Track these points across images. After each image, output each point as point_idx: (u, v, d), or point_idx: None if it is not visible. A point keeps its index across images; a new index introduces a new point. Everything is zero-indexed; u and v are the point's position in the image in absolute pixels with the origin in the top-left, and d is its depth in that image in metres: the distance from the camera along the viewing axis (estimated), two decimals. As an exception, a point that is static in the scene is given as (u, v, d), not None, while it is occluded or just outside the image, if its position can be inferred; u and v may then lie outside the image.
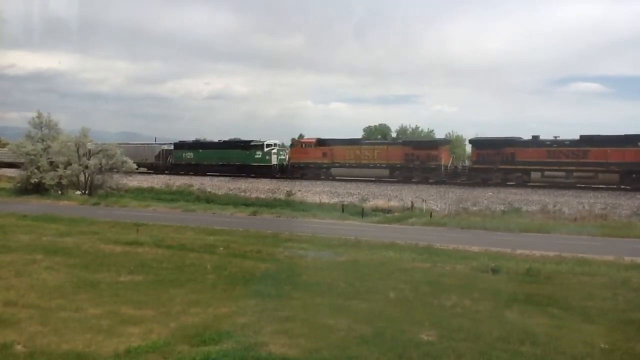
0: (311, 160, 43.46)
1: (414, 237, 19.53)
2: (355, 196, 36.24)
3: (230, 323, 8.44)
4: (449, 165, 38.72)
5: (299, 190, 39.22)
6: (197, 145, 52.72)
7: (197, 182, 45.51)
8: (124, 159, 40.29)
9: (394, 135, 74.79)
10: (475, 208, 30.94)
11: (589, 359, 7.17)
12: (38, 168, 37.80)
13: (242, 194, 40.53)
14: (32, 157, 38.29)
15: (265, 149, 45.96)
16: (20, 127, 47.76)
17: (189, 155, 51.02)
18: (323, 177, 42.43)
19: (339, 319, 8.69)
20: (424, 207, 30.85)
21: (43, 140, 39.61)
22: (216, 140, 52.24)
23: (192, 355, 6.93)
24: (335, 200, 35.75)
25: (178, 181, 46.80)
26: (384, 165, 40.34)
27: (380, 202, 33.71)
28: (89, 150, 39.65)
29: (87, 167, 38.54)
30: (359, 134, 72.24)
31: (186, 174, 49.66)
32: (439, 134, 70.08)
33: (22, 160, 39.83)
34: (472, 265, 14.20)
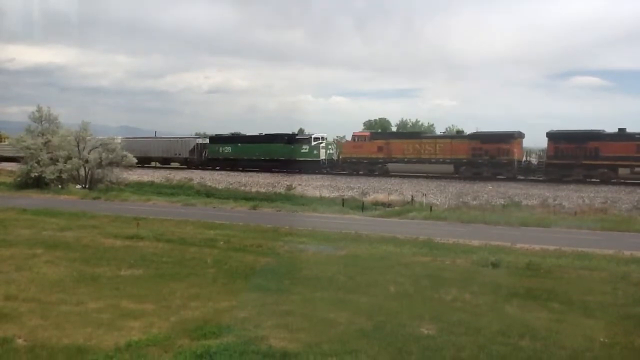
0: (365, 155, 40.84)
1: (414, 231, 19.54)
2: (355, 190, 36.23)
3: (230, 317, 8.46)
4: (522, 161, 36.48)
5: (299, 184, 39.19)
6: (236, 139, 49.90)
7: (197, 176, 45.49)
8: (124, 153, 40.22)
9: (394, 129, 74.74)
10: (475, 202, 30.92)
11: (588, 353, 7.19)
12: (38, 162, 37.78)
13: (242, 188, 40.49)
14: (32, 151, 38.25)
15: (313, 143, 43.29)
16: (21, 122, 47.63)
17: (227, 149, 48.08)
18: (378, 173, 40.07)
19: (339, 313, 8.70)
20: (424, 201, 30.84)
21: (43, 135, 39.56)
22: (256, 133, 49.23)
23: (193, 349, 6.95)
24: (336, 194, 35.73)
25: (178, 175, 46.77)
26: (447, 161, 37.86)
27: (381, 196, 33.67)
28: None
29: (87, 161, 38.51)
30: (359, 128, 72.18)
31: (223, 169, 47.30)
32: (439, 128, 70.08)
33: (22, 155, 39.79)
34: (472, 259, 14.21)
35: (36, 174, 37.38)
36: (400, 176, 39.51)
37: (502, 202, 30.32)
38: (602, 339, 7.71)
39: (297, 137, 44.91)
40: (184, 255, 14.17)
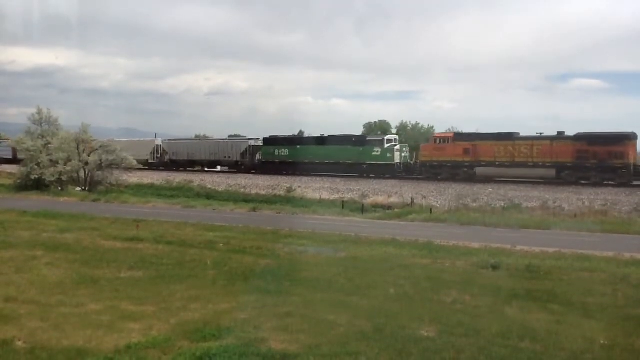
0: (448, 158, 37.31)
1: (414, 234, 19.53)
2: (355, 192, 36.22)
3: (230, 319, 8.46)
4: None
5: (299, 187, 39.19)
6: (295, 141, 45.93)
7: (197, 179, 45.47)
8: (124, 155, 40.24)
9: (394, 131, 74.70)
10: (475, 204, 30.93)
11: (588, 354, 7.18)
12: (38, 164, 37.79)
13: (242, 190, 40.47)
14: (32, 153, 38.27)
15: (386, 145, 39.83)
16: (20, 123, 47.60)
17: (284, 152, 44.47)
18: (463, 178, 36.49)
19: (339, 315, 8.70)
20: (424, 203, 30.83)
21: (43, 137, 39.58)
22: (317, 134, 45.60)
23: (193, 351, 6.95)
24: (336, 196, 35.72)
25: (178, 177, 46.75)
26: (548, 164, 34.41)
27: (381, 199, 33.65)
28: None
29: (87, 163, 38.52)
30: (359, 130, 72.07)
31: (278, 173, 43.24)
32: (439, 130, 69.72)
33: (22, 157, 39.82)
34: (472, 261, 14.21)
35: (36, 176, 37.39)
36: (400, 178, 39.47)
37: (502, 205, 30.31)
38: (602, 341, 7.71)
39: (368, 138, 41.59)
40: (184, 257, 14.17)
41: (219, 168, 50.60)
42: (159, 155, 52.77)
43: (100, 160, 38.66)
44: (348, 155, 41.08)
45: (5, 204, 28.12)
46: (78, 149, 38.82)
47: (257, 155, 46.80)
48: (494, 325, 8.24)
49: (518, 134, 36.95)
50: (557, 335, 7.88)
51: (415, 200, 31.68)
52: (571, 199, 30.28)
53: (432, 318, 8.58)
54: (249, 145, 47.40)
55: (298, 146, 44.48)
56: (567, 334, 7.97)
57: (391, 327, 8.04)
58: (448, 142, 38.12)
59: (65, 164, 37.85)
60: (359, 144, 41.14)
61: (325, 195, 36.04)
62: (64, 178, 38.25)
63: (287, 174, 42.36)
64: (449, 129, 67.55)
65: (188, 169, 50.66)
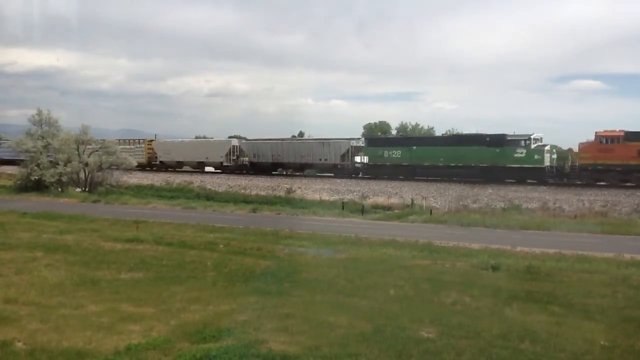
0: (618, 161, 32.15)
1: (414, 235, 19.53)
2: (355, 193, 36.23)
3: (230, 320, 8.45)
4: None
5: (299, 188, 39.20)
6: (408, 141, 41.07)
7: (197, 180, 45.47)
8: (124, 155, 40.27)
9: (394, 132, 74.71)
10: (475, 205, 30.95)
11: (589, 356, 7.18)
12: (38, 165, 37.81)
13: (242, 191, 40.49)
14: (32, 154, 38.29)
15: (533, 145, 34.64)
16: (21, 125, 47.57)
17: (395, 154, 39.37)
18: (637, 184, 31.49)
19: (339, 316, 8.70)
20: (424, 204, 30.85)
21: (43, 138, 39.60)
22: (439, 133, 42.03)
23: (193, 352, 6.94)
24: (335, 197, 35.73)
25: (178, 178, 46.76)
26: None
27: (380, 200, 33.68)
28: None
29: (87, 164, 38.54)
30: (359, 132, 71.86)
31: (390, 179, 38.67)
32: (439, 132, 69.59)
33: (23, 158, 39.85)
34: (472, 262, 14.20)
35: (36, 177, 37.41)
36: (400, 179, 39.42)
37: (502, 206, 30.33)
38: (602, 342, 7.71)
39: (508, 138, 35.78)
40: (184, 259, 14.16)
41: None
42: (234, 157, 48.12)
43: (100, 161, 38.68)
44: (481, 158, 35.79)
45: (5, 205, 28.12)
46: (78, 149, 38.85)
47: (361, 157, 42.06)
48: (494, 327, 8.23)
49: None
50: (557, 337, 7.87)
51: (415, 201, 31.69)
52: (571, 200, 30.28)
53: (432, 319, 8.58)
54: (351, 146, 42.28)
55: (414, 147, 39.19)
56: (567, 336, 7.97)
57: (391, 328, 8.03)
58: (618, 142, 32.43)
59: (65, 165, 37.87)
60: (495, 144, 35.59)
61: (325, 196, 36.05)
62: (64, 179, 38.28)
63: (400, 180, 37.98)
64: (449, 130, 67.59)
65: (273, 173, 45.82)
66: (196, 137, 63.68)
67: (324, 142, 44.12)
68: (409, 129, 76.52)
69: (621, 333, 8.28)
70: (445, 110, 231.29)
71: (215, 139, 54.10)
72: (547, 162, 34.34)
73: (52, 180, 37.54)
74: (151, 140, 54.88)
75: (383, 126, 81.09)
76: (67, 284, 11.14)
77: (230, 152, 48.06)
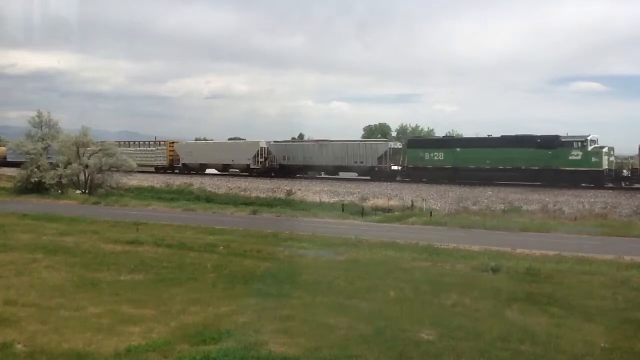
0: None
1: (414, 236, 19.52)
2: (355, 195, 36.24)
3: (230, 322, 8.45)
4: None
5: (299, 189, 39.22)
6: (452, 142, 39.15)
7: (197, 181, 45.49)
8: (124, 157, 40.28)
9: (393, 134, 74.73)
10: (475, 207, 30.96)
11: (589, 358, 7.18)
12: (38, 167, 37.83)
13: (242, 193, 40.53)
14: (32, 156, 38.31)
15: (590, 148, 32.84)
16: (21, 126, 47.55)
17: (437, 156, 37.91)
18: None
19: (339, 318, 8.69)
20: (424, 206, 30.86)
21: (43, 140, 39.64)
22: (485, 135, 38.07)
23: (193, 354, 6.93)
24: (335, 199, 35.75)
25: (178, 180, 46.77)
26: None
27: (381, 201, 33.70)
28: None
29: (87, 166, 38.55)
30: (359, 134, 71.85)
31: (430, 182, 37.11)
32: (439, 133, 69.45)
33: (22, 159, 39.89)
34: (472, 264, 14.20)
35: (36, 179, 37.42)
36: (400, 181, 39.44)
37: (502, 208, 30.35)
38: (602, 344, 7.70)
39: (561, 139, 33.96)
40: (184, 260, 14.16)
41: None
42: (262, 160, 46.38)
43: (100, 163, 38.69)
44: (532, 160, 34.31)
45: (5, 207, 28.12)
46: (78, 151, 38.87)
47: (400, 159, 40.68)
48: (494, 328, 8.23)
49: None
50: (558, 338, 7.86)
51: (415, 203, 31.70)
52: (571, 201, 30.29)
53: (433, 321, 8.57)
54: (389, 148, 40.79)
55: (457, 149, 37.62)
56: (567, 337, 7.96)
57: (391, 330, 8.02)
58: None
59: (65, 167, 37.88)
60: (548, 146, 33.83)
61: (325, 198, 36.08)
62: (64, 181, 38.29)
63: (443, 183, 36.61)
64: (449, 132, 67.54)
65: (297, 175, 44.29)
66: (198, 139, 63.54)
67: (360, 144, 42.89)
68: (408, 131, 76.57)
69: (621, 335, 8.28)
70: (445, 112, 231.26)
71: (242, 140, 51.85)
72: (605, 165, 32.67)
73: (52, 182, 37.55)
74: (173, 142, 53.70)
75: (383, 128, 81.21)
76: (67, 285, 11.14)
77: (258, 154, 46.45)
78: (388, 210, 30.86)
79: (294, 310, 9.20)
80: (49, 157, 39.13)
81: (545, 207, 29.79)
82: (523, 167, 34.71)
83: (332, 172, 43.83)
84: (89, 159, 38.66)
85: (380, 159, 40.59)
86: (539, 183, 34.29)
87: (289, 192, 38.73)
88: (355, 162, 41.60)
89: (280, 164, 45.85)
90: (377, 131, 78.10)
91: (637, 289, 11.75)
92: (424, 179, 38.00)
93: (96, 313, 9.05)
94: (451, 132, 68.07)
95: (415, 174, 38.96)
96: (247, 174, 46.75)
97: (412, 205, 31.54)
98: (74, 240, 17.35)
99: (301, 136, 56.63)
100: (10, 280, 11.52)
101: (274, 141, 48.41)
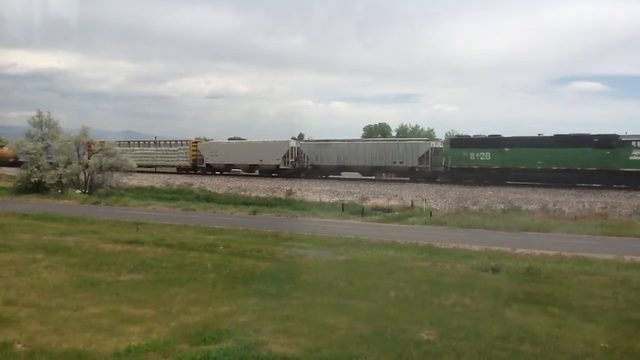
0: None
1: (414, 236, 19.53)
2: (355, 195, 36.24)
3: (230, 322, 8.44)
4: None
5: (299, 189, 39.23)
6: (499, 142, 36.85)
7: (197, 181, 45.48)
8: (125, 157, 40.28)
9: (393, 134, 74.68)
10: (475, 207, 30.98)
11: (589, 358, 7.17)
12: (38, 167, 37.83)
13: (242, 193, 40.55)
14: (32, 156, 38.31)
15: None
16: (21, 127, 47.52)
17: (483, 156, 36.43)
18: None
19: (339, 318, 8.69)
20: (424, 206, 30.87)
21: (43, 140, 39.64)
22: (535, 134, 36.67)
23: (193, 354, 6.93)
24: (335, 199, 35.77)
25: (178, 180, 46.77)
26: None
27: (380, 201, 33.72)
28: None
29: (87, 166, 38.56)
30: (359, 134, 71.85)
31: (477, 184, 35.82)
32: (439, 134, 69.33)
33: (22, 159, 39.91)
34: (472, 264, 14.20)
35: (36, 179, 37.43)
36: (400, 181, 39.45)
37: (502, 207, 30.36)
38: (602, 344, 7.70)
39: (621, 138, 32.40)
40: (184, 260, 14.15)
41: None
42: (292, 160, 45.02)
43: (101, 163, 38.70)
44: (588, 161, 32.91)
45: (5, 206, 28.12)
46: (78, 151, 38.88)
47: (440, 160, 39.39)
48: (494, 328, 8.23)
49: None
50: (558, 338, 7.86)
51: (415, 203, 31.71)
52: (571, 201, 30.31)
53: (432, 321, 8.57)
54: (431, 148, 39.30)
55: (505, 149, 36.08)
56: (567, 337, 7.96)
57: (391, 330, 8.02)
58: None
59: (65, 167, 37.89)
60: (605, 146, 32.40)
61: (325, 198, 36.09)
62: (64, 181, 38.30)
63: (490, 185, 35.40)
64: (449, 132, 67.47)
65: (325, 176, 43.02)
66: (199, 139, 63.37)
67: (399, 143, 41.36)
68: (408, 131, 76.55)
69: (621, 335, 8.28)
70: (445, 112, 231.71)
71: (271, 139, 49.31)
72: None
73: (52, 182, 37.56)
74: (197, 142, 52.38)
75: (383, 128, 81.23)
76: (67, 285, 11.13)
77: (287, 154, 44.93)
78: (388, 210, 30.89)
79: (294, 310, 9.20)
80: (49, 157, 39.12)
81: (545, 207, 29.81)
82: (578, 168, 33.36)
83: (368, 173, 42.42)
84: (88, 158, 38.68)
85: (421, 159, 39.08)
86: (597, 185, 33.16)
87: (289, 192, 38.75)
88: (394, 162, 40.15)
89: (313, 164, 44.34)
90: (377, 131, 78.11)
91: (637, 289, 11.75)
92: (469, 181, 36.81)
93: (96, 313, 9.05)
94: (451, 132, 68.16)
95: (459, 175, 37.52)
96: (276, 174, 45.18)
97: (412, 205, 31.55)
98: (73, 240, 17.35)
99: (301, 136, 56.66)
100: (10, 280, 11.51)
101: (306, 140, 46.82)
